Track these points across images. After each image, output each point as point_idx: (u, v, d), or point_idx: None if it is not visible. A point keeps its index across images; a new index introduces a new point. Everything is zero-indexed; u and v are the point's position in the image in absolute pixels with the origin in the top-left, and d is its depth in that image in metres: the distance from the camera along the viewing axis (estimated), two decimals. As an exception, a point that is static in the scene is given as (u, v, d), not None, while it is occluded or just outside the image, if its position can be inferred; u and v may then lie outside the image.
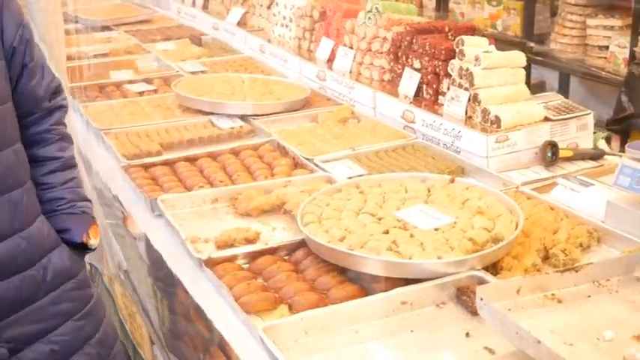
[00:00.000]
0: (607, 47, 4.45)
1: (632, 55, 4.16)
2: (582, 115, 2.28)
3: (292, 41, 3.34)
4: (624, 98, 4.11)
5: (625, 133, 4.09)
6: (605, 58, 4.44)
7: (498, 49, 2.39)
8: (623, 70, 4.23)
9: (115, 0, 5.08)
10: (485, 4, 5.22)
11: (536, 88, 5.23)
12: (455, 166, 2.18)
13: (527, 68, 4.99)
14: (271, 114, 2.69)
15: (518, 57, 2.35)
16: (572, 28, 4.67)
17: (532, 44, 4.87)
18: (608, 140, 2.45)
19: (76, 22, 4.34)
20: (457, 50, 2.36)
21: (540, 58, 4.80)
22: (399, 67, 2.64)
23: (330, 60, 3.03)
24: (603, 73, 4.42)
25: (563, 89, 4.91)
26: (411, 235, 1.68)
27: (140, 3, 4.95)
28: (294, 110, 2.75)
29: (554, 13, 4.97)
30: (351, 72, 2.90)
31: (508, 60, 2.33)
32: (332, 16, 3.09)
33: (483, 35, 5.01)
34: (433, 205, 1.82)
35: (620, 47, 4.32)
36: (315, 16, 3.21)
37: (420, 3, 5.74)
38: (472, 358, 1.41)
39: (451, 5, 5.49)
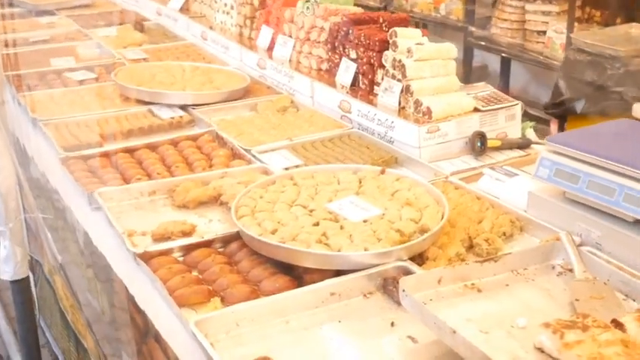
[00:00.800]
0: (545, 32, 4.57)
1: (569, 40, 4.27)
2: (511, 106, 2.36)
3: (234, 28, 3.36)
4: (561, 83, 4.22)
5: (562, 117, 4.21)
6: (543, 43, 4.56)
7: (440, 33, 2.45)
8: (561, 55, 4.35)
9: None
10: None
11: (478, 71, 5.35)
12: (388, 156, 2.24)
13: (470, 52, 5.11)
14: (211, 103, 2.72)
15: (450, 49, 2.42)
16: (512, 13, 4.77)
17: (474, 29, 4.97)
18: (535, 130, 2.52)
19: (15, 5, 4.29)
20: (390, 42, 2.42)
21: (482, 43, 4.90)
22: (337, 56, 2.69)
23: (270, 48, 3.07)
24: (542, 57, 4.54)
25: (504, 73, 5.03)
26: (341, 227, 1.74)
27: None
28: (234, 99, 2.78)
29: (494, -1, 5.07)
30: (290, 60, 2.94)
31: (440, 52, 2.39)
32: (272, 5, 3.12)
33: (425, 20, 5.09)
34: (364, 196, 1.89)
35: (557, 33, 4.44)
36: (255, 3, 3.23)
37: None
38: (396, 346, 1.47)
39: (395, -13, 5.55)
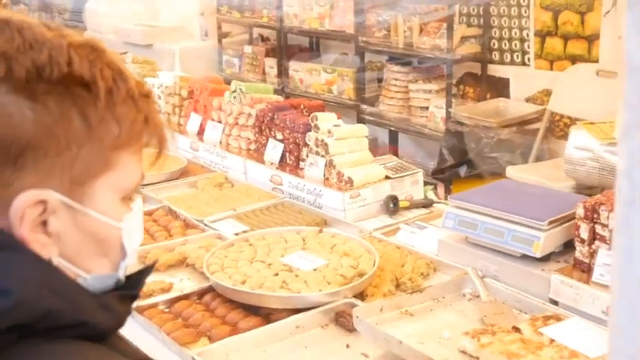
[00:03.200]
0: (427, 108, 5.20)
1: (448, 114, 4.92)
2: (414, 173, 2.88)
3: (163, 116, 3.77)
4: (445, 151, 4.85)
5: (448, 180, 4.81)
6: (426, 117, 5.18)
7: (335, 111, 2.97)
8: (442, 127, 4.98)
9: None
10: (322, 72, 5.88)
11: (371, 143, 5.92)
12: (319, 219, 2.70)
13: (362, 127, 5.69)
14: (155, 183, 3.11)
15: (362, 129, 2.93)
16: (397, 92, 5.39)
17: (364, 106, 5.56)
18: (434, 191, 3.06)
19: None
20: (312, 124, 2.90)
21: (372, 118, 5.48)
22: (264, 138, 3.15)
23: (200, 132, 3.49)
24: (426, 130, 5.15)
25: (393, 144, 5.62)
26: (296, 275, 2.17)
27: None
28: (175, 179, 3.18)
29: (380, 80, 5.70)
30: (220, 143, 3.37)
31: (354, 132, 2.90)
32: (199, 95, 3.56)
33: (320, 99, 5.63)
34: (309, 251, 2.32)
35: (437, 108, 5.07)
36: (183, 94, 3.66)
37: (263, 71, 6.32)
38: (352, 362, 1.91)
39: (291, 72, 6.11)
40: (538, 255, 2.07)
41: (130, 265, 1.01)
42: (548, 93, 4.76)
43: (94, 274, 0.95)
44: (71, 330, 0.87)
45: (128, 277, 1.01)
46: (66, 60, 0.87)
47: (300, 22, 5.94)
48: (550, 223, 2.08)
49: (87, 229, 0.92)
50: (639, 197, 0.75)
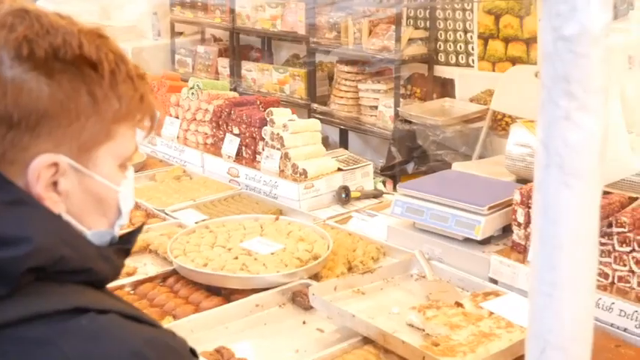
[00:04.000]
0: (376, 107, 5.38)
1: (397, 113, 5.11)
2: (365, 165, 3.05)
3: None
4: (393, 149, 5.03)
5: (396, 177, 5.00)
6: (376, 116, 5.36)
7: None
8: (391, 125, 5.16)
9: None
10: (273, 71, 6.02)
11: (322, 141, 6.08)
12: (275, 209, 2.84)
13: (313, 125, 5.84)
14: (115, 175, 3.20)
15: (315, 123, 3.08)
16: (347, 92, 5.55)
17: (316, 105, 5.71)
18: (383, 183, 3.23)
19: None
20: (268, 119, 3.05)
21: (323, 117, 5.62)
22: (221, 132, 3.28)
23: (157, 127, 3.60)
24: (375, 128, 5.32)
25: (343, 142, 5.78)
26: (255, 259, 2.31)
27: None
28: (136, 172, 3.28)
29: (331, 79, 5.86)
30: (178, 137, 3.49)
31: (308, 126, 3.05)
32: (157, 91, 3.67)
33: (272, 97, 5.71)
34: (267, 236, 2.46)
35: (386, 107, 5.25)
36: (141, 90, 3.76)
37: (216, 70, 6.43)
38: (309, 336, 2.04)
39: (243, 72, 6.23)
40: (479, 238, 2.25)
41: (123, 226, 1.15)
42: (490, 93, 4.98)
43: (94, 230, 1.09)
44: (78, 275, 1.02)
45: (121, 237, 1.15)
46: (77, 43, 1.02)
47: (252, 23, 6.07)
48: (490, 208, 2.26)
49: (90, 190, 1.07)
50: (553, 162, 0.92)
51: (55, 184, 1.03)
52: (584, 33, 0.89)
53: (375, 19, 5.30)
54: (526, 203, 2.19)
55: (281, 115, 3.07)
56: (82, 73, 1.02)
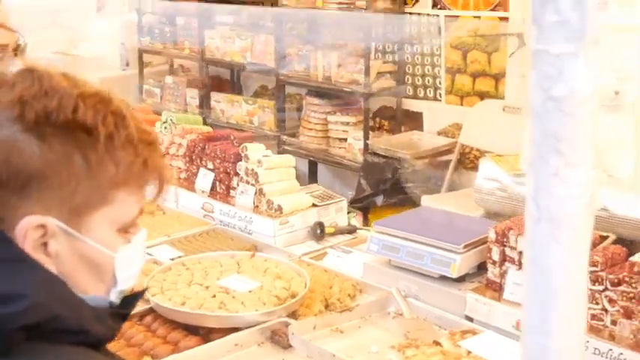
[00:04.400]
0: (345, 139, 5.42)
1: (366, 146, 5.16)
2: (339, 201, 3.07)
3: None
4: (363, 181, 5.07)
5: (366, 209, 5.03)
6: (345, 148, 5.40)
7: (257, 142, 3.15)
8: (360, 158, 5.21)
9: None
10: (243, 103, 6.04)
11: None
12: (250, 244, 2.85)
13: (282, 157, 5.87)
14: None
15: (290, 159, 3.10)
16: (316, 124, 5.60)
17: (285, 137, 5.74)
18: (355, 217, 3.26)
19: None
20: (243, 155, 3.06)
21: (292, 149, 5.66)
22: (194, 167, 3.28)
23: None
24: (344, 160, 5.37)
25: (312, 174, 5.82)
26: (233, 297, 2.31)
27: None
28: (107, 206, 3.26)
29: (300, 111, 5.90)
30: (150, 171, 3.47)
31: (282, 162, 3.07)
32: (129, 125, 3.66)
33: (241, 129, 5.78)
34: (244, 274, 2.47)
35: (356, 140, 5.30)
36: (113, 124, 3.75)
37: (185, 101, 6.44)
38: (288, 376, 2.06)
39: (212, 103, 6.25)
40: (455, 276, 2.28)
41: (125, 291, 1.14)
42: (458, 127, 5.06)
43: (89, 294, 1.09)
44: (73, 336, 1.01)
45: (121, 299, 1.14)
46: (72, 107, 1.02)
47: (221, 54, 6.10)
48: (465, 246, 2.30)
49: (83, 254, 1.07)
50: (544, 217, 0.96)
51: (45, 245, 1.03)
52: (572, 94, 0.93)
53: (344, 52, 5.36)
54: (501, 241, 2.23)
55: (255, 150, 3.08)
56: (74, 137, 1.02)
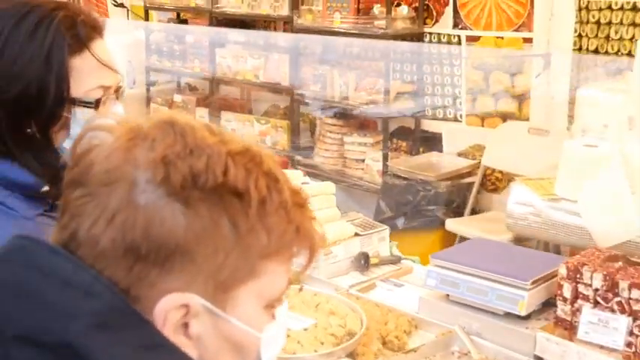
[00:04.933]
0: (363, 160, 5.32)
1: (385, 167, 5.06)
2: (381, 230, 2.96)
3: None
4: (382, 203, 4.96)
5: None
6: (363, 169, 5.30)
7: None
8: (378, 179, 5.11)
9: None
10: (255, 122, 5.93)
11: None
12: (292, 276, 2.72)
13: (296, 178, 5.76)
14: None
15: (329, 186, 2.99)
16: (332, 144, 5.50)
17: (300, 157, 5.63)
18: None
19: None
20: (280, 181, 2.94)
21: (307, 169, 5.54)
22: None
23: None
24: (362, 182, 5.27)
25: (328, 196, 5.67)
26: (288, 336, 2.19)
27: None
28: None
29: (312, 131, 5.81)
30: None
31: (322, 189, 2.96)
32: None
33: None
34: (294, 309, 2.35)
35: (374, 161, 5.20)
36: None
37: (194, 120, 6.32)
38: (355, 422, 1.94)
39: (223, 123, 6.13)
40: (523, 314, 2.17)
41: None
42: (479, 148, 4.97)
43: None
44: None
45: None
46: (222, 169, 0.88)
47: (233, 73, 5.99)
48: (533, 282, 2.19)
49: (226, 335, 0.93)
50: None
51: (185, 325, 0.90)
52: None
53: (362, 72, 5.28)
54: (573, 278, 2.12)
55: (293, 177, 2.96)
56: (224, 202, 0.88)
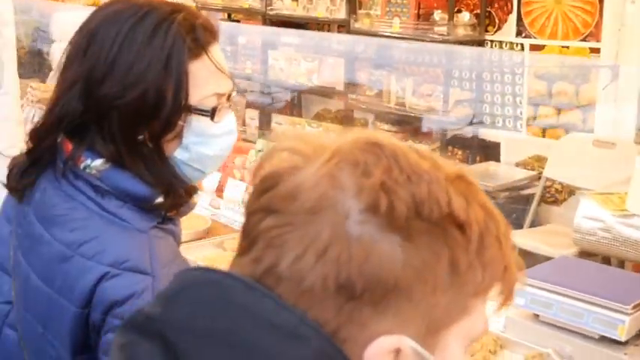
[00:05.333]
0: (419, 167, 5.22)
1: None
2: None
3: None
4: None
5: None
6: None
7: None
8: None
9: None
10: (306, 126, 5.85)
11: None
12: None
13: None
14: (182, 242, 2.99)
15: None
16: (386, 151, 5.40)
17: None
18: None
19: None
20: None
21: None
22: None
23: (219, 190, 3.40)
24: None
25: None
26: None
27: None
28: (200, 238, 3.08)
29: (366, 136, 5.71)
30: (243, 201, 3.28)
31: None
32: (218, 151, 3.48)
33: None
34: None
35: (431, 168, 5.09)
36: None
37: (243, 122, 6.27)
38: None
39: (273, 125, 6.06)
40: (623, 339, 2.07)
41: None
42: (539, 159, 4.84)
43: None
44: None
45: None
46: (446, 199, 0.78)
47: (286, 76, 5.93)
48: (634, 307, 2.09)
49: None
50: None
51: None
52: None
53: (420, 78, 5.18)
54: (678, 304, 2.02)
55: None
56: (446, 235, 0.78)
